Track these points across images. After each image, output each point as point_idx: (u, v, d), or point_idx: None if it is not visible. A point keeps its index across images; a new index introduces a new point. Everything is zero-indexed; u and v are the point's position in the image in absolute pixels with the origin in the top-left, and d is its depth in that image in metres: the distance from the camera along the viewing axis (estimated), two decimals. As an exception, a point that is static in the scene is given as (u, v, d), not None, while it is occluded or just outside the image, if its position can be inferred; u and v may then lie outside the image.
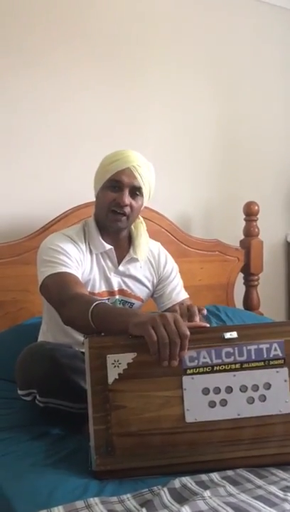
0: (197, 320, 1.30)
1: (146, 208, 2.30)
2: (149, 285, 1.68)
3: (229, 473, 1.10)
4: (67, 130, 2.23)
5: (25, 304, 2.07)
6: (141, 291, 1.66)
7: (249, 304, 2.57)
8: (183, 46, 2.52)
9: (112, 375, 1.10)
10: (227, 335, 1.13)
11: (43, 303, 1.63)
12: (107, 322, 1.20)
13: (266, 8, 2.75)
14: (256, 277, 2.59)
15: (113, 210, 1.53)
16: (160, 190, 2.48)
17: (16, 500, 1.00)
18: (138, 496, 1.01)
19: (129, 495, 1.01)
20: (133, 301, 1.64)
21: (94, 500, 0.97)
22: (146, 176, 1.54)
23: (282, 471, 1.11)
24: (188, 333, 1.08)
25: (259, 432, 1.13)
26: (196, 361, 1.12)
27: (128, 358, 1.10)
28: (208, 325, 1.19)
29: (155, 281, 1.70)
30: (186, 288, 1.95)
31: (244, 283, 2.61)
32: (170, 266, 1.72)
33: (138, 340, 1.10)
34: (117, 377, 1.10)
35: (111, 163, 1.52)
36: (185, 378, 1.12)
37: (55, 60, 2.20)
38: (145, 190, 1.55)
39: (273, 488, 1.03)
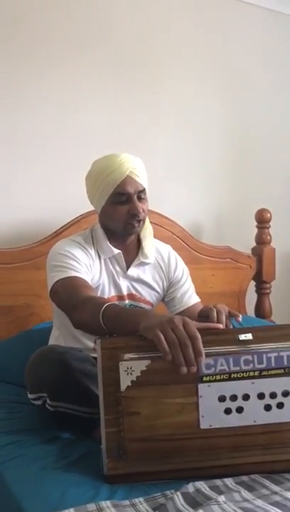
0: (227, 322, 1.29)
1: (156, 213, 2.31)
2: (159, 289, 1.67)
3: (244, 478, 1.08)
4: (78, 137, 2.24)
5: (36, 309, 2.06)
6: (150, 296, 1.64)
7: (261, 312, 2.55)
8: (193, 55, 2.53)
9: (125, 382, 1.07)
10: (242, 336, 1.11)
11: (53, 309, 1.62)
12: (118, 323, 1.19)
13: (277, 17, 2.76)
14: (268, 285, 2.56)
15: (130, 222, 1.52)
16: (172, 197, 2.50)
17: (26, 502, 0.98)
18: (151, 500, 0.98)
19: (141, 499, 0.99)
20: (142, 305, 1.62)
21: (106, 504, 0.95)
22: (142, 172, 1.53)
23: (298, 478, 1.08)
24: (198, 335, 1.05)
25: (274, 438, 1.11)
26: (213, 369, 1.09)
27: (142, 365, 1.08)
28: (222, 326, 1.17)
29: (165, 285, 1.68)
30: (197, 295, 1.93)
31: (256, 291, 2.59)
32: (181, 269, 1.71)
33: (151, 342, 1.08)
34: (130, 384, 1.07)
35: (108, 176, 1.49)
36: (201, 386, 1.09)
37: (68, 68, 2.22)
38: (146, 188, 1.55)
39: (289, 494, 1.00)
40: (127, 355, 1.09)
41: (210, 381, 1.08)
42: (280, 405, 1.10)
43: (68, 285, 1.43)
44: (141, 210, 1.52)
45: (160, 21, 2.45)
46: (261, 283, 2.55)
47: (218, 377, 1.08)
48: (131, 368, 1.07)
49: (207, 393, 1.08)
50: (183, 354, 1.04)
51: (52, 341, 1.69)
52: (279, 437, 1.10)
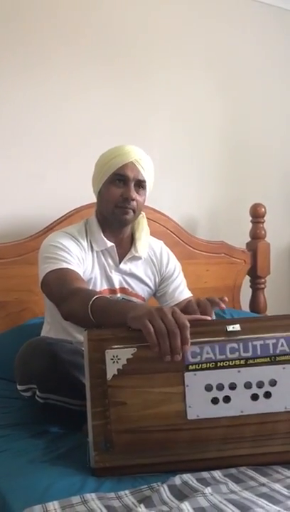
0: (212, 313, 1.28)
1: (151, 209, 2.30)
2: (151, 284, 1.66)
3: (232, 471, 1.07)
4: (71, 130, 2.22)
5: (28, 304, 2.05)
6: (142, 290, 1.63)
7: (255, 307, 2.53)
8: (188, 48, 2.51)
9: (111, 370, 1.06)
10: (230, 327, 1.10)
11: (45, 302, 1.61)
12: (106, 316, 1.18)
13: (273, 11, 2.74)
14: (263, 280, 2.55)
15: (120, 205, 1.51)
16: (166, 192, 2.48)
17: (11, 495, 0.97)
18: (137, 493, 0.97)
19: (127, 491, 0.98)
20: (134, 299, 1.61)
21: (91, 496, 0.94)
22: (149, 169, 1.52)
23: (287, 469, 1.07)
24: (188, 323, 1.04)
25: (262, 430, 1.09)
26: (199, 357, 1.08)
27: (127, 353, 1.07)
28: (210, 318, 1.15)
29: (157, 280, 1.67)
30: (192, 290, 1.91)
31: (251, 286, 2.58)
32: (173, 264, 1.70)
33: (138, 333, 1.07)
34: (116, 373, 1.06)
35: (112, 159, 1.50)
36: (187, 374, 1.07)
37: (59, 61, 2.20)
38: (148, 184, 1.54)
39: (277, 486, 0.99)
40: (114, 347, 1.08)
41: (196, 369, 1.07)
42: (267, 395, 1.09)
43: (59, 276, 1.42)
44: (134, 197, 1.51)
45: (158, 12, 2.42)
46: (256, 278, 2.54)
47: (204, 365, 1.07)
48: (117, 356, 1.06)
49: (194, 382, 1.07)
50: (170, 343, 1.03)
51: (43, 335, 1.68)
52: (269, 428, 1.09)
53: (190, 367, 1.07)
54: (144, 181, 1.52)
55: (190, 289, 1.83)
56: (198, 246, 2.41)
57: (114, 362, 1.06)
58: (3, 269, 2.02)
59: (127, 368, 1.06)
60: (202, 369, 1.08)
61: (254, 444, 1.09)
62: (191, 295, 1.70)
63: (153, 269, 1.66)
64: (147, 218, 2.26)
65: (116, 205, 1.51)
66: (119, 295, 1.58)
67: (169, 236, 2.32)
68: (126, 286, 1.60)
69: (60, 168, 2.20)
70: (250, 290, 2.57)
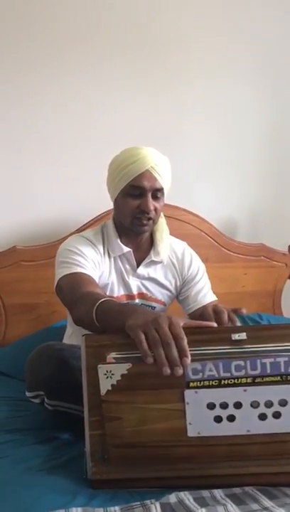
0: (234, 321, 1.21)
1: (184, 210, 2.24)
2: (172, 288, 1.60)
3: (236, 490, 0.99)
4: (103, 136, 2.19)
5: (58, 306, 2.02)
6: (162, 295, 1.57)
7: (298, 313, 2.41)
8: (226, 43, 2.41)
9: (105, 386, 1.00)
10: (236, 336, 1.02)
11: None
12: (108, 320, 1.13)
13: None
14: (306, 285, 2.42)
15: (138, 217, 1.46)
16: (204, 195, 2.41)
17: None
18: (127, 510, 0.92)
19: (117, 507, 0.92)
20: (154, 304, 1.56)
21: (77, 510, 0.90)
22: (165, 174, 1.46)
23: (297, 492, 0.98)
24: (183, 335, 0.97)
25: (271, 449, 1.01)
26: (201, 374, 1.00)
27: (122, 368, 1.00)
28: (215, 324, 1.08)
29: (178, 283, 1.61)
30: (228, 295, 1.84)
31: (293, 291, 2.45)
32: (196, 267, 1.63)
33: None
34: (110, 388, 1.00)
35: (127, 166, 1.43)
36: (187, 392, 1.00)
37: (92, 67, 2.18)
38: (165, 189, 1.48)
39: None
40: (112, 354, 1.03)
41: (197, 387, 1.00)
42: (276, 414, 1.00)
43: (71, 281, 1.39)
44: (152, 208, 1.45)
45: (189, 10, 2.34)
46: (298, 282, 2.42)
47: (206, 383, 0.99)
48: (111, 372, 1.00)
49: (195, 400, 1.00)
50: (165, 354, 0.97)
51: (65, 339, 1.67)
52: (276, 448, 1.01)
53: (191, 384, 1.00)
54: (161, 188, 1.46)
55: (226, 294, 1.75)
56: (235, 248, 2.32)
57: (107, 377, 1.01)
58: (34, 271, 2.04)
59: (122, 383, 1.00)
60: (204, 386, 1.00)
61: (261, 463, 1.01)
62: (215, 298, 1.62)
63: (174, 272, 1.60)
64: (180, 220, 2.23)
65: (134, 216, 1.46)
66: (137, 301, 1.53)
67: (204, 238, 2.26)
68: (144, 291, 1.55)
69: (91, 171, 2.17)
70: (292, 295, 2.45)
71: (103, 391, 1.00)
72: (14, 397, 1.58)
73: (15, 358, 1.79)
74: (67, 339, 1.64)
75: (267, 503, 0.94)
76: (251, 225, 2.51)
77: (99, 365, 1.01)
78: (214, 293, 1.66)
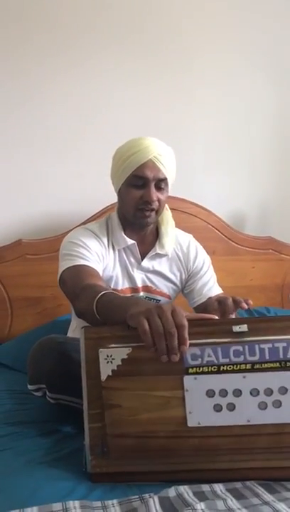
0: (233, 314, 1.20)
1: (191, 203, 2.22)
2: (177, 281, 1.58)
3: (237, 485, 0.97)
4: (111, 127, 2.18)
5: (64, 300, 1.98)
6: (167, 288, 1.56)
7: (307, 307, 2.38)
8: (238, 29, 2.36)
9: (105, 371, 1.00)
10: (237, 328, 1.00)
11: None
12: (109, 313, 1.12)
13: None
14: (315, 278, 2.39)
15: (141, 208, 1.44)
16: (212, 187, 2.38)
17: (-3, 497, 0.94)
18: (125, 503, 0.91)
19: (115, 501, 0.91)
20: (159, 297, 1.54)
21: (74, 504, 0.89)
22: (169, 165, 1.43)
23: (300, 487, 0.96)
24: (185, 323, 0.96)
25: (273, 441, 0.99)
26: (199, 360, 0.99)
27: (122, 353, 1.00)
28: (216, 317, 1.06)
29: (183, 276, 1.59)
30: (236, 288, 1.81)
31: (303, 284, 2.42)
32: (201, 260, 1.60)
33: (137, 332, 0.99)
34: (111, 373, 1.00)
35: (130, 156, 1.41)
36: (186, 378, 0.99)
37: (97, 59, 2.17)
38: (169, 180, 1.45)
39: (281, 506, 0.88)
40: (108, 346, 1.02)
41: (196, 373, 0.99)
42: (277, 403, 0.98)
43: (74, 273, 1.38)
44: (155, 199, 1.43)
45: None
46: (308, 276, 2.38)
47: (205, 369, 0.99)
48: (112, 356, 1.00)
49: (194, 387, 0.99)
50: (167, 343, 0.96)
51: (69, 333, 1.66)
52: (279, 440, 0.99)
53: (190, 370, 0.99)
54: (165, 179, 1.44)
55: (234, 287, 1.73)
56: (243, 241, 2.30)
57: (108, 362, 1.00)
58: (39, 264, 2.03)
59: (122, 368, 1.00)
60: (203, 372, 0.99)
61: (264, 457, 0.99)
62: (221, 291, 1.60)
63: (179, 265, 1.58)
64: (187, 213, 2.21)
65: (136, 208, 1.44)
66: (141, 294, 1.52)
67: (211, 231, 2.24)
68: (149, 284, 1.53)
69: (97, 164, 2.16)
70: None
71: (103, 377, 1.00)
72: (19, 390, 1.58)
73: (21, 351, 1.78)
74: (71, 333, 1.63)
75: (268, 497, 0.92)
76: (260, 218, 2.48)
77: (100, 349, 1.00)
78: (221, 286, 1.64)
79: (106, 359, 1.00)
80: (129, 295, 1.50)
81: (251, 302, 1.23)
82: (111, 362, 1.00)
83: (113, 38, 2.18)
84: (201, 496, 0.92)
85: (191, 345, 0.98)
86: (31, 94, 2.10)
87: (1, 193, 2.10)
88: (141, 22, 2.22)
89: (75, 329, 1.61)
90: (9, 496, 0.93)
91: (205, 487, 0.96)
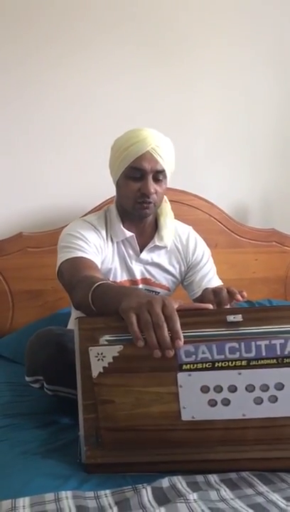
0: (228, 306, 1.19)
1: (193, 195, 2.20)
2: (176, 273, 1.57)
3: (232, 475, 0.97)
4: (109, 120, 2.15)
5: (65, 293, 2.00)
6: (166, 280, 1.55)
7: (310, 299, 2.36)
8: (239, 19, 2.32)
9: (96, 368, 0.99)
10: (231, 318, 0.99)
11: None
12: (104, 303, 1.11)
13: None
14: None
15: (139, 201, 1.43)
16: (214, 180, 2.36)
17: (-11, 486, 0.94)
18: (118, 493, 0.90)
19: (108, 491, 0.91)
20: (158, 289, 1.53)
21: (66, 494, 0.88)
22: (167, 156, 1.42)
23: (294, 478, 0.95)
24: (175, 316, 0.94)
25: (268, 433, 0.98)
26: (193, 356, 0.97)
27: (113, 351, 0.98)
28: (211, 306, 1.05)
29: (183, 268, 1.58)
30: (239, 281, 1.79)
31: (306, 277, 2.40)
32: (201, 251, 1.59)
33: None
34: (102, 370, 0.99)
35: (127, 148, 1.40)
36: (180, 375, 0.97)
37: (93, 48, 2.14)
38: (168, 172, 1.44)
39: (275, 497, 0.88)
40: (105, 337, 1.01)
41: (190, 370, 0.97)
42: (273, 399, 0.97)
43: (72, 265, 1.37)
44: (153, 191, 1.42)
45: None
46: (311, 268, 2.36)
47: (200, 365, 0.97)
48: (102, 354, 0.98)
49: (188, 383, 0.97)
50: (156, 336, 0.94)
51: (70, 325, 1.66)
52: (273, 432, 0.98)
53: (184, 366, 0.97)
54: (163, 171, 1.42)
55: (236, 280, 1.71)
56: (245, 234, 2.28)
57: (98, 360, 0.98)
58: (40, 257, 2.03)
59: (113, 366, 0.98)
60: (197, 369, 0.97)
61: (258, 448, 0.99)
62: (221, 283, 1.59)
63: (178, 257, 1.57)
64: (188, 205, 2.19)
65: (135, 200, 1.43)
66: (140, 286, 1.51)
67: (213, 223, 2.22)
68: (148, 276, 1.53)
69: (97, 156, 2.14)
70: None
71: (95, 374, 0.99)
72: (18, 382, 1.57)
73: (21, 344, 1.76)
74: (71, 325, 1.63)
75: (262, 488, 0.92)
76: (263, 210, 2.46)
77: (90, 348, 0.99)
78: (224, 279, 1.63)
79: (96, 357, 0.99)
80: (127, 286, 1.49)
81: (245, 294, 1.21)
82: (102, 359, 0.98)
83: (112, 27, 2.15)
84: (195, 487, 0.92)
85: (185, 336, 0.96)
86: (27, 86, 2.09)
87: (1, 186, 2.09)
88: (140, 11, 2.19)
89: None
90: (1, 486, 0.93)
91: (200, 478, 0.95)
